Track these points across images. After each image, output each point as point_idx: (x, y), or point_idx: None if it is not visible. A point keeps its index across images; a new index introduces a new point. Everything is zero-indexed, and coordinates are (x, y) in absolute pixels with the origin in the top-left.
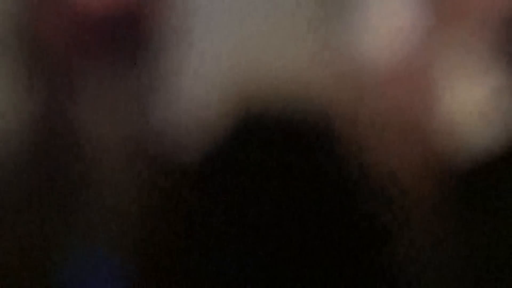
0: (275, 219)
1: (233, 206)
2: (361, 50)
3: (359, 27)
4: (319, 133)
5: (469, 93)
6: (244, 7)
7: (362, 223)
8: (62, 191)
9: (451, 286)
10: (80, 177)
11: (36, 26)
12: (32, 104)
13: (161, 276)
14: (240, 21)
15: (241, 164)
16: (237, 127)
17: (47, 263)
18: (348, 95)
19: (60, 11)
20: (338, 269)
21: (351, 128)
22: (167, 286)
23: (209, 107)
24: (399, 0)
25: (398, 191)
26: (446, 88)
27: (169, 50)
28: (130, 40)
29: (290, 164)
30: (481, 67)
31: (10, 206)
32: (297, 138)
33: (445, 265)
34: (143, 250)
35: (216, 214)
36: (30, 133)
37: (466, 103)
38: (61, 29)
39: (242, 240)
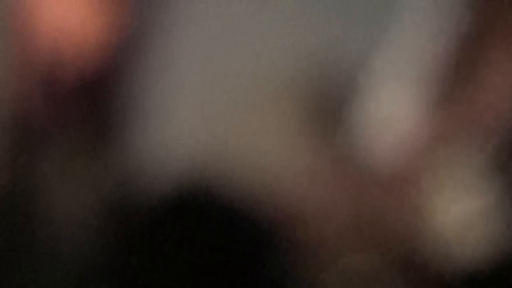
0: None
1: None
2: (346, 152)
3: (350, 129)
4: (281, 233)
5: (461, 208)
6: (226, 87)
7: None
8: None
9: None
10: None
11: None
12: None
13: None
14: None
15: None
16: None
17: None
18: (322, 198)
19: (29, 83)
20: None
21: (322, 233)
22: None
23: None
24: (396, 109)
25: None
26: (439, 201)
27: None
28: (96, 110)
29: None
30: (475, 182)
31: None
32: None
33: None
34: None
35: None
36: None
37: (458, 219)
38: (28, 98)
39: None
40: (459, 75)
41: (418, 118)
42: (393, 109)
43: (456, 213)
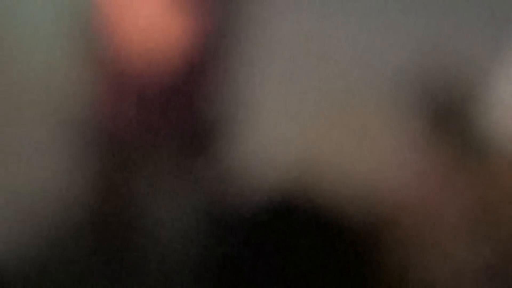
0: None
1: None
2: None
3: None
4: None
5: None
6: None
7: None
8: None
9: None
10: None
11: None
12: (90, 172)
13: None
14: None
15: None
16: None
17: None
18: (436, 196)
19: (122, 94)
20: None
21: (435, 231)
22: None
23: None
24: None
25: None
26: None
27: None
28: (191, 117)
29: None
30: None
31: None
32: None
33: None
34: None
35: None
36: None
37: None
38: (122, 110)
39: None
40: None
41: None
42: None
43: None
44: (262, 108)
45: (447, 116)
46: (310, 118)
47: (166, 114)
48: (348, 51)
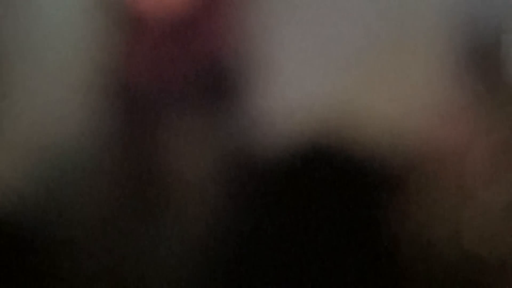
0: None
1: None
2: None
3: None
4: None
5: None
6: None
7: None
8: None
9: None
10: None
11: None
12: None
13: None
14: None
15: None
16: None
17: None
18: (461, 136)
19: (144, 44)
20: None
21: (459, 171)
22: None
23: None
24: None
25: None
26: None
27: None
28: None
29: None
30: None
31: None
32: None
33: None
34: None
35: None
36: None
37: None
38: (145, 64)
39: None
40: None
41: None
42: None
43: None
44: (287, 52)
45: (478, 58)
46: (336, 63)
47: (189, 62)
48: None
